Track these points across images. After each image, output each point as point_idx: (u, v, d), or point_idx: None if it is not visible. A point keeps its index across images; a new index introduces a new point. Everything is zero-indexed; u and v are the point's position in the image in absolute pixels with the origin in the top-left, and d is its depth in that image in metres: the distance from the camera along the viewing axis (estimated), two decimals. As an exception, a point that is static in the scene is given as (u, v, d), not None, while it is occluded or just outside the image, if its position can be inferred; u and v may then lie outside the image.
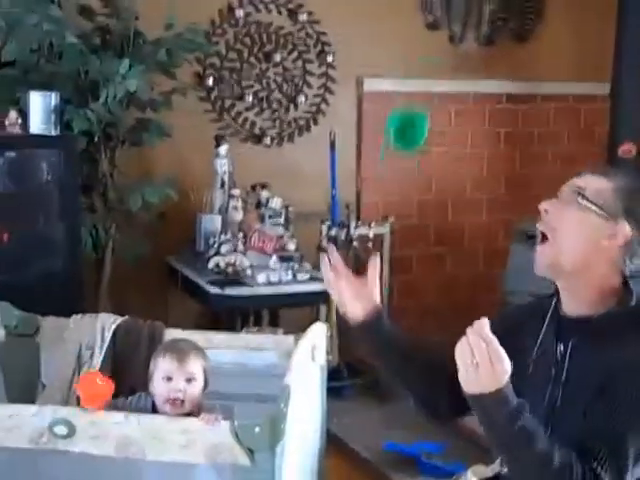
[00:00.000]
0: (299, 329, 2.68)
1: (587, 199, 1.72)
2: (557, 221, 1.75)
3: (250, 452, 1.91)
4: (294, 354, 2.19)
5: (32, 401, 2.51)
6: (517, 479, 1.72)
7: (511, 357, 1.54)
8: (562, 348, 1.75)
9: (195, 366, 2.26)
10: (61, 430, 1.97)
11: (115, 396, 2.38)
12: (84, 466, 2.03)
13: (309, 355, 2.31)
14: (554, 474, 1.57)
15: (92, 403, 2.06)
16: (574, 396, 1.71)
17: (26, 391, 2.61)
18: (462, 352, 1.53)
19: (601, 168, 1.87)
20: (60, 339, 2.68)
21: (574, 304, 1.77)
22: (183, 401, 2.22)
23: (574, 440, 1.62)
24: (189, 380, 2.23)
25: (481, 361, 1.51)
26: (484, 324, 1.53)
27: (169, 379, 2.23)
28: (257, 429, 1.90)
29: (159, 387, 2.25)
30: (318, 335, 2.41)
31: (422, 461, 3.35)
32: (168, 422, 2.01)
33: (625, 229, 1.72)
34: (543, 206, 1.77)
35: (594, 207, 1.72)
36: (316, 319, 3.72)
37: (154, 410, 2.25)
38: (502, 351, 1.52)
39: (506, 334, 1.60)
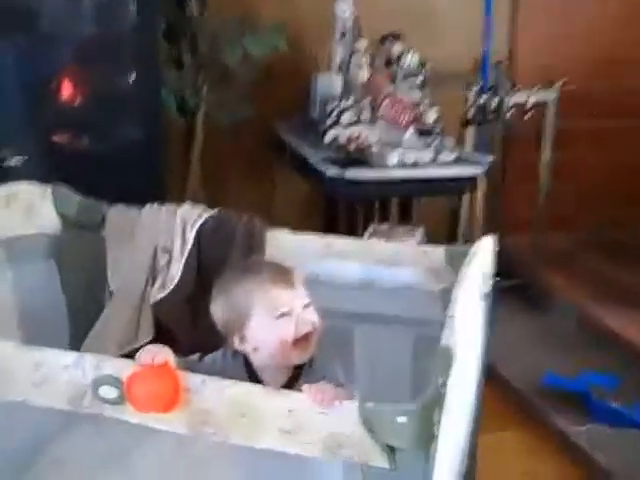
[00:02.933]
0: (434, 226, 2.47)
1: None
2: None
3: (390, 451, 1.35)
4: (461, 280, 1.62)
5: (99, 312, 2.16)
6: None
7: None
8: None
9: (304, 285, 1.76)
10: (108, 392, 1.47)
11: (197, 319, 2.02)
12: (145, 442, 1.56)
13: (477, 281, 1.71)
14: None
15: (150, 407, 1.44)
16: None
17: (91, 298, 2.23)
18: None
19: None
20: (130, 236, 2.23)
21: None
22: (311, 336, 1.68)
23: None
24: (306, 306, 1.70)
25: None
26: None
27: (286, 314, 1.67)
28: (401, 419, 1.31)
29: (275, 331, 1.67)
30: (487, 252, 1.82)
31: (592, 401, 2.73)
32: (267, 396, 1.44)
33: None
34: None
35: None
36: (456, 214, 3.34)
37: (250, 372, 1.71)
38: None
39: None
